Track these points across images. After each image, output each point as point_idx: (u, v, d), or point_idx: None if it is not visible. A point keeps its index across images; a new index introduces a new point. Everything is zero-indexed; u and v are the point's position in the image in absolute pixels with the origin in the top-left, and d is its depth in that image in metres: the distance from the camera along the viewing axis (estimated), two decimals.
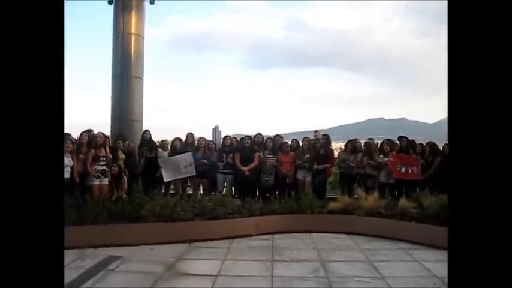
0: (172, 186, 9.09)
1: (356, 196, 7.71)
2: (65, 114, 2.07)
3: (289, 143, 9.18)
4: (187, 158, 8.52)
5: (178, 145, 8.94)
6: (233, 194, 8.43)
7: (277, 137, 9.37)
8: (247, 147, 8.71)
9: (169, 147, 9.09)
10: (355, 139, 9.21)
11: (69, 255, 5.50)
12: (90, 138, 7.68)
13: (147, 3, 10.76)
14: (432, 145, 8.93)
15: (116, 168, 7.80)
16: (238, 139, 9.36)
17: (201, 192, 8.68)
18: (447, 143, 9.22)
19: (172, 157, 8.68)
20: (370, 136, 9.69)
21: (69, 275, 4.76)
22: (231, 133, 9.96)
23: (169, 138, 9.47)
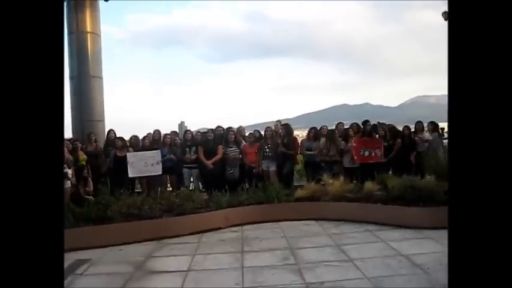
0: (138, 185, 8.95)
1: (322, 182, 7.76)
2: (64, 114, 2.07)
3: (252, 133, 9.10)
4: (154, 155, 8.32)
5: (148, 143, 8.80)
6: (200, 188, 8.39)
7: (231, 129, 9.03)
8: (209, 141, 8.64)
9: (139, 145, 8.93)
10: (324, 126, 9.20)
11: None
12: None
13: (101, 1, 10.56)
14: (391, 128, 9.12)
15: (79, 170, 7.64)
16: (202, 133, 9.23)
17: (169, 188, 8.60)
18: (406, 125, 9.49)
19: (139, 152, 8.50)
20: (337, 122, 9.70)
21: None
22: (197, 127, 9.85)
23: (138, 136, 9.24)
